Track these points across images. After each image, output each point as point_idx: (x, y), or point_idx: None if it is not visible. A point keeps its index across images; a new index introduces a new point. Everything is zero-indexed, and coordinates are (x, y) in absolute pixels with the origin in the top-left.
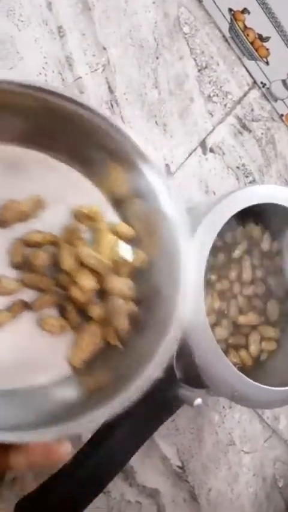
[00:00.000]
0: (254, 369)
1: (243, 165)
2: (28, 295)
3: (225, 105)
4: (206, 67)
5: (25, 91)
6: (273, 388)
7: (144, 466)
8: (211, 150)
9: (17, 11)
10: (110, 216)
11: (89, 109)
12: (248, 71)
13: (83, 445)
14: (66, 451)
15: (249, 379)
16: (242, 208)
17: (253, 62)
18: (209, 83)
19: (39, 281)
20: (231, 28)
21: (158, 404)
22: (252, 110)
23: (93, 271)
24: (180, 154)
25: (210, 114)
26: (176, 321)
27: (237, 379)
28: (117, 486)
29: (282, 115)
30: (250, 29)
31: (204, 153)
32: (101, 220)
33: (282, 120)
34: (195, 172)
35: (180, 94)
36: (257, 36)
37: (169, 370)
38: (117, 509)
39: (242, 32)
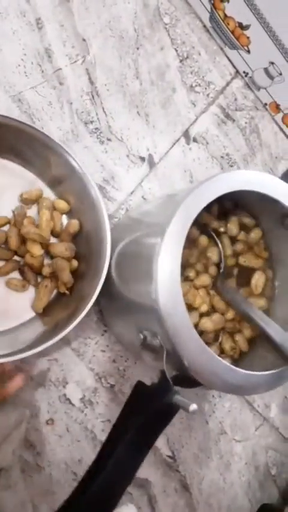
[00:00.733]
0: (240, 359)
1: (227, 154)
2: None
3: (207, 95)
4: (187, 57)
5: None
6: (256, 372)
7: None
8: (194, 140)
9: None
10: (51, 196)
11: (24, 124)
12: (230, 60)
13: (89, 466)
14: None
15: (233, 366)
16: (222, 194)
17: (235, 51)
18: (191, 73)
19: (3, 254)
20: (212, 17)
21: (156, 414)
22: (235, 99)
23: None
24: (163, 144)
25: (193, 104)
26: (104, 269)
27: (223, 368)
28: None
29: (266, 104)
30: (230, 17)
31: (188, 143)
32: (43, 200)
33: (266, 109)
34: (179, 162)
35: (162, 84)
36: (237, 24)
37: (163, 378)
38: None
39: (223, 21)
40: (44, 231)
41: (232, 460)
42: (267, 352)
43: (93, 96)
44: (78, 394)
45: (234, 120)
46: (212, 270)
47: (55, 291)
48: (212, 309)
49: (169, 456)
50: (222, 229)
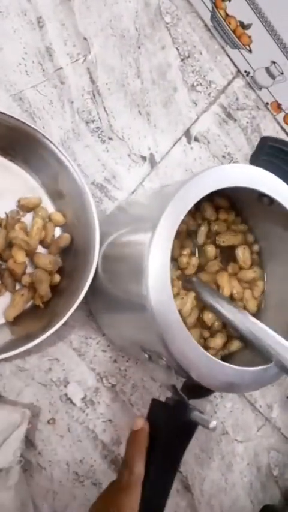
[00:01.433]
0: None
1: (228, 154)
2: None
3: (209, 94)
4: (188, 56)
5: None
6: (249, 368)
7: None
8: (196, 139)
9: None
10: (49, 207)
11: (36, 130)
12: (231, 59)
13: None
14: None
15: (226, 363)
16: (213, 190)
17: (236, 50)
18: (192, 72)
19: None
20: (213, 17)
21: (177, 432)
22: (236, 98)
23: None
24: (164, 143)
25: (194, 103)
26: (84, 290)
27: (219, 367)
28: (108, 478)
29: (267, 103)
30: (232, 16)
31: (189, 142)
32: (39, 209)
33: (268, 109)
34: (181, 162)
35: (164, 83)
36: (238, 23)
37: (178, 397)
38: None
39: (224, 20)
40: (32, 239)
41: (234, 461)
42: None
43: (94, 95)
44: (80, 394)
45: (235, 120)
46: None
47: (30, 302)
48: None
49: None
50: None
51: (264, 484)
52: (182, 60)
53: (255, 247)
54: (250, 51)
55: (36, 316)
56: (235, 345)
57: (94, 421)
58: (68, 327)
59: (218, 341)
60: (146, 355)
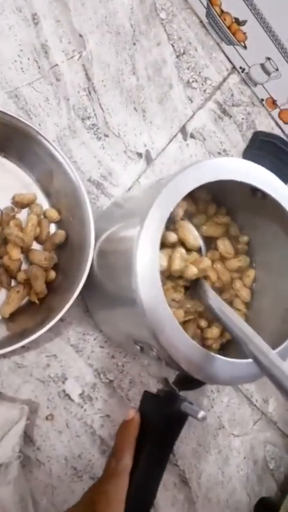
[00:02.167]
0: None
1: (224, 150)
2: None
3: (204, 90)
4: (184, 53)
5: None
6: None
7: None
8: (192, 136)
9: None
10: (44, 204)
11: (30, 127)
12: (226, 56)
13: None
14: None
15: (216, 355)
16: (203, 183)
17: (231, 46)
18: (188, 68)
19: None
20: (208, 13)
21: (168, 423)
22: (232, 95)
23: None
24: (160, 140)
25: (190, 99)
26: (79, 286)
27: (209, 359)
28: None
29: (262, 99)
30: (227, 13)
31: (185, 139)
32: (34, 206)
33: (263, 105)
34: (176, 158)
35: (159, 80)
36: (233, 20)
37: (168, 389)
38: None
39: (219, 16)
40: (27, 236)
41: (230, 455)
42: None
43: (90, 92)
44: (78, 390)
45: (231, 116)
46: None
47: (26, 299)
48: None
49: None
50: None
51: (261, 477)
52: (178, 56)
53: (244, 238)
54: (245, 47)
55: (32, 312)
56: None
57: (92, 417)
58: (66, 323)
59: (214, 331)
60: (138, 347)
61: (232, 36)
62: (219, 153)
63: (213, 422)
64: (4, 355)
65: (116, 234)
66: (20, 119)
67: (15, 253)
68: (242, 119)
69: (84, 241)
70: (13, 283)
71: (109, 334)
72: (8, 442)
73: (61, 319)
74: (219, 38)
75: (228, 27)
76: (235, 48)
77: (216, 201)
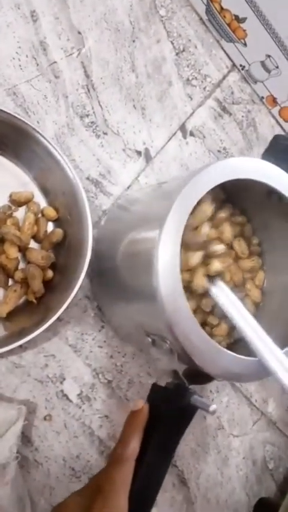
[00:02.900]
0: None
1: (224, 148)
2: None
3: (204, 88)
4: (183, 50)
5: None
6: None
7: None
8: (191, 134)
9: None
10: (41, 202)
11: (27, 124)
12: (226, 53)
13: None
14: None
15: (241, 356)
16: (220, 182)
17: (231, 44)
18: (187, 66)
19: None
20: (208, 10)
21: (177, 416)
22: (232, 92)
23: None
24: (160, 138)
25: (190, 97)
26: (77, 285)
27: (230, 358)
28: None
29: (262, 97)
30: (227, 10)
31: (185, 137)
32: (31, 204)
33: (263, 103)
34: (176, 156)
35: (159, 77)
36: (233, 17)
37: (178, 381)
38: None
39: (219, 13)
40: (24, 235)
41: (230, 455)
42: None
43: (89, 90)
44: (76, 390)
45: (231, 114)
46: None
47: (24, 298)
48: None
49: None
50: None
51: (260, 477)
52: (177, 54)
53: (255, 240)
54: (245, 44)
55: (29, 312)
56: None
57: (90, 417)
58: (64, 322)
59: (223, 328)
60: (150, 339)
61: (232, 33)
62: (219, 151)
63: (213, 423)
64: (1, 355)
65: (135, 236)
66: (18, 116)
67: (13, 252)
68: (242, 116)
69: (82, 239)
70: (10, 282)
71: (117, 325)
72: (5, 442)
73: (59, 319)
74: (219, 35)
75: (228, 25)
76: (235, 46)
77: (230, 201)
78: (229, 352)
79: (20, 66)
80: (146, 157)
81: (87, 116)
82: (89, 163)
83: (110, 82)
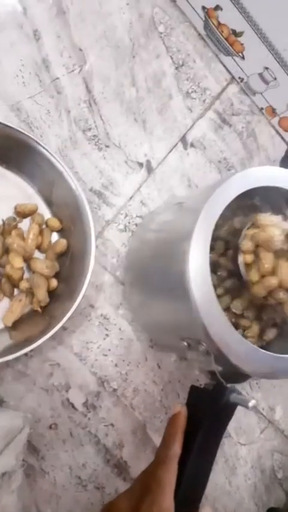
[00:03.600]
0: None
1: (224, 158)
2: None
3: (204, 100)
4: (182, 64)
5: None
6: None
7: (138, 460)
8: (192, 145)
9: None
10: (45, 213)
11: (31, 138)
12: (225, 66)
13: None
14: None
15: (275, 354)
16: (237, 194)
17: (229, 57)
18: (187, 79)
19: None
20: (206, 25)
21: (218, 414)
22: (231, 104)
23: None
24: (161, 150)
25: (190, 109)
26: (80, 294)
27: (265, 357)
28: (111, 481)
29: (262, 108)
30: (224, 25)
31: (185, 148)
32: (36, 215)
33: (263, 113)
34: (177, 167)
35: (159, 91)
36: (231, 31)
37: (216, 381)
38: None
39: (216, 28)
40: (28, 245)
41: (237, 464)
42: None
43: (90, 104)
44: (81, 399)
45: (231, 125)
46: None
47: (29, 307)
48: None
49: None
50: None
51: (269, 487)
52: (177, 68)
53: None
54: (243, 58)
55: (34, 321)
56: (272, 333)
57: (96, 426)
58: (69, 331)
59: (254, 329)
60: (185, 343)
61: (230, 47)
62: (219, 161)
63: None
64: (7, 364)
65: (166, 245)
66: (21, 130)
67: (18, 263)
68: (242, 127)
69: (85, 250)
70: (16, 292)
71: (155, 336)
72: (11, 450)
73: (64, 328)
74: (217, 49)
75: (226, 39)
76: (233, 59)
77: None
78: (263, 350)
79: (23, 83)
80: (147, 168)
81: (90, 129)
82: (92, 175)
83: (111, 97)
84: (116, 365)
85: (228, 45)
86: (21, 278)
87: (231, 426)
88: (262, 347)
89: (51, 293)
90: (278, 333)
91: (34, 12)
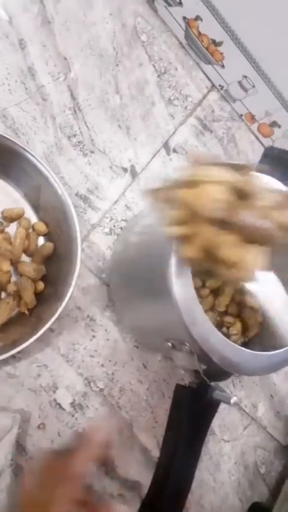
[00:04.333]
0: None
1: None
2: None
3: (185, 107)
4: (165, 72)
5: None
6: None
7: (125, 460)
8: (174, 151)
9: None
10: (32, 217)
11: (17, 144)
12: (205, 74)
13: (155, 470)
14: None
15: (256, 352)
16: None
17: (210, 66)
18: (169, 87)
19: None
20: (187, 35)
21: (202, 411)
22: (212, 111)
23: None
24: (144, 155)
25: (172, 116)
26: (66, 296)
27: (246, 356)
28: (99, 480)
29: (241, 115)
30: (204, 35)
31: (168, 154)
32: (22, 220)
33: (242, 120)
34: (160, 172)
35: (142, 98)
36: (211, 41)
37: (200, 379)
38: None
39: (197, 38)
40: (15, 249)
41: (222, 460)
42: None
43: (75, 111)
44: (68, 399)
45: (211, 131)
46: None
47: (16, 310)
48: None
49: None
50: None
51: (252, 482)
52: (159, 76)
53: None
54: (223, 66)
55: (22, 323)
56: (253, 331)
57: (83, 425)
58: (56, 333)
59: (237, 326)
60: (170, 344)
61: (210, 56)
62: None
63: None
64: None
65: (149, 247)
66: (8, 137)
67: (5, 266)
68: (223, 133)
69: (71, 253)
70: (3, 295)
71: (140, 337)
72: (0, 450)
73: (51, 329)
74: (198, 58)
75: (206, 48)
76: (214, 67)
77: None
78: (244, 349)
79: (9, 90)
80: (131, 173)
81: (75, 135)
82: (77, 180)
83: (96, 104)
84: (102, 365)
85: (208, 54)
86: (9, 281)
87: (215, 424)
88: (245, 343)
89: (38, 296)
90: (259, 331)
91: (20, 21)
